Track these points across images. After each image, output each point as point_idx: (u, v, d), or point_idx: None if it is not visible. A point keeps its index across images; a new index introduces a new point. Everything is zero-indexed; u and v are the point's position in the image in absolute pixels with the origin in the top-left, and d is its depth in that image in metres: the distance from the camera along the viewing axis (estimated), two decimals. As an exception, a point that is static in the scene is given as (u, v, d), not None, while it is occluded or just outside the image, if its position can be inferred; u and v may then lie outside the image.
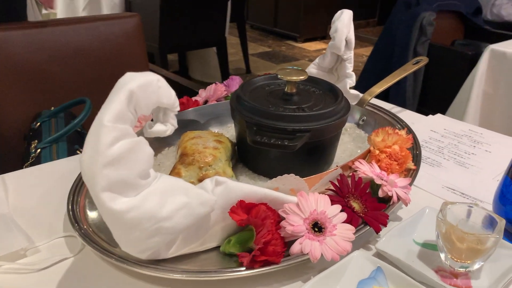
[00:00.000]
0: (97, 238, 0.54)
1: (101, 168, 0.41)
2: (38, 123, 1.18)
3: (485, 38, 2.11)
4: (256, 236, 0.50)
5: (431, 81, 2.02)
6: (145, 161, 0.44)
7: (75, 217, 0.57)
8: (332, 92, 0.72)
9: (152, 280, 0.51)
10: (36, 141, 1.11)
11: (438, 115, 0.98)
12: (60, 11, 2.71)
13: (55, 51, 1.28)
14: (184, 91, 1.40)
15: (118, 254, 0.50)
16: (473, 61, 1.80)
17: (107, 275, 0.52)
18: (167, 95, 0.46)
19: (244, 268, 0.49)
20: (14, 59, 1.21)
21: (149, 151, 0.45)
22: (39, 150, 1.07)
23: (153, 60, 2.74)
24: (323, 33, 4.79)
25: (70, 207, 0.58)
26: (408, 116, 0.98)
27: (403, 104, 2.04)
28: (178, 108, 0.49)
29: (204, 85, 0.89)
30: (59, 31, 1.29)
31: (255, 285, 0.51)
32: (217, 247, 0.53)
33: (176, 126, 0.50)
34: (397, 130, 0.68)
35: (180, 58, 3.42)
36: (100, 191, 0.41)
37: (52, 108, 1.20)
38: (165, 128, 0.48)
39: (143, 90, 0.44)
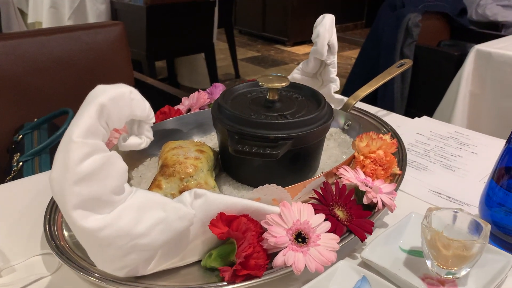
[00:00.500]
0: (74, 256, 0.52)
1: (71, 186, 0.39)
2: (21, 136, 1.16)
3: (471, 39, 2.12)
4: (237, 250, 0.49)
5: (418, 83, 2.03)
6: (119, 176, 0.43)
7: (52, 234, 0.55)
8: (315, 98, 0.71)
9: (132, 297, 0.49)
10: (19, 154, 1.09)
11: (424, 118, 0.98)
12: (45, 20, 2.68)
13: (36, 61, 1.27)
14: (170, 99, 1.38)
15: (96, 272, 0.49)
16: (459, 61, 1.81)
17: (86, 293, 0.51)
18: (141, 107, 0.45)
19: (225, 283, 0.48)
20: (-5, 71, 1.19)
21: (122, 165, 0.43)
22: (21, 163, 1.05)
23: (141, 68, 2.73)
24: (311, 37, 4.80)
25: (47, 224, 0.57)
26: (394, 119, 0.98)
27: (391, 106, 2.04)
28: (153, 120, 0.48)
29: (193, 91, 0.87)
30: (40, 41, 1.27)
31: (238, 299, 0.50)
32: (198, 262, 0.52)
33: (152, 138, 0.48)
34: (381, 135, 0.68)
35: (169, 65, 3.41)
36: (71, 209, 0.40)
37: (35, 119, 1.19)
38: (140, 141, 0.47)
39: (114, 103, 0.42)
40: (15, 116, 1.22)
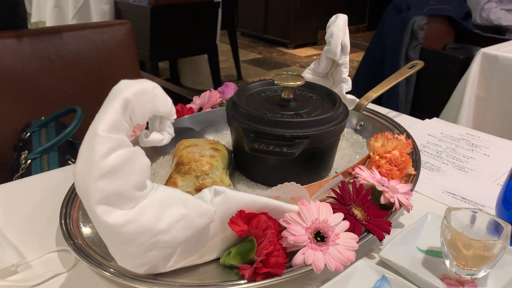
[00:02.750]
0: (91, 252, 0.52)
1: (95, 180, 0.39)
2: (28, 133, 1.16)
3: (475, 42, 2.13)
4: (257, 247, 0.48)
5: (423, 85, 2.03)
6: (142, 172, 0.42)
7: (68, 230, 0.55)
8: (330, 97, 0.71)
9: (150, 295, 0.49)
10: (26, 151, 1.09)
11: (435, 119, 0.97)
12: (49, 20, 2.68)
13: (44, 59, 1.26)
14: (176, 99, 1.38)
15: (113, 268, 0.49)
16: (465, 64, 1.81)
17: (103, 290, 0.50)
18: (164, 103, 0.45)
19: (245, 281, 0.47)
20: (2, 68, 1.18)
21: (146, 161, 0.43)
22: (29, 160, 1.05)
23: (144, 68, 2.72)
24: (313, 39, 4.81)
25: (62, 220, 0.56)
26: (405, 120, 0.97)
27: (396, 109, 2.04)
28: (175, 116, 0.47)
29: (196, 92, 0.87)
30: (48, 39, 1.26)
31: (257, 298, 0.50)
32: (217, 259, 0.52)
33: (173, 134, 0.48)
34: (396, 135, 0.67)
35: (171, 66, 3.40)
36: (94, 205, 0.40)
37: (43, 117, 1.18)
38: (162, 137, 0.47)
39: (138, 98, 0.42)
40: (23, 114, 1.21)
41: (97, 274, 0.52)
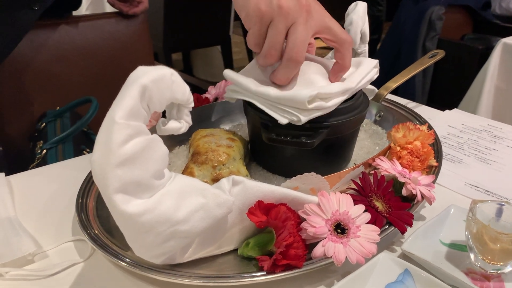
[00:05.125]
0: (107, 241, 0.51)
1: (113, 168, 0.38)
2: (44, 124, 1.16)
3: (495, 33, 2.08)
4: (277, 239, 0.47)
5: (440, 77, 1.99)
6: (160, 160, 0.41)
7: (85, 220, 0.54)
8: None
9: (167, 285, 0.48)
10: (42, 141, 1.09)
11: (455, 110, 0.95)
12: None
13: (59, 50, 1.26)
14: (190, 90, 1.37)
15: (130, 259, 0.48)
16: (484, 55, 1.77)
17: (119, 280, 0.50)
18: (182, 90, 0.44)
19: (264, 273, 0.46)
20: (18, 58, 1.18)
21: (164, 149, 0.42)
22: (44, 150, 1.05)
23: (157, 60, 2.72)
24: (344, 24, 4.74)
25: (79, 209, 0.56)
26: (424, 111, 0.95)
27: (412, 100, 2.01)
28: (193, 104, 0.46)
29: (210, 84, 0.86)
30: (64, 29, 1.26)
31: (275, 290, 0.49)
32: (235, 250, 0.51)
33: (191, 123, 0.47)
34: (418, 126, 0.65)
35: (184, 57, 3.40)
36: (112, 193, 0.39)
37: (58, 108, 1.18)
38: (180, 125, 0.46)
39: (156, 84, 0.41)
40: (38, 104, 1.21)
41: (113, 264, 0.51)
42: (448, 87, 1.99)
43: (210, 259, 0.49)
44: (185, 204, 0.43)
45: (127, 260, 0.48)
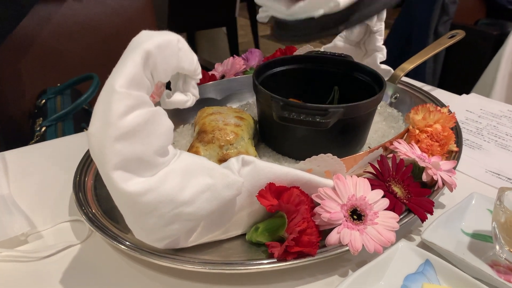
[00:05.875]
0: (106, 222, 0.48)
1: (112, 142, 0.34)
2: (43, 100, 1.12)
3: (509, 18, 2.01)
4: (289, 224, 0.44)
5: (452, 63, 1.93)
6: (164, 135, 0.38)
7: (82, 199, 0.51)
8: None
9: (169, 271, 0.45)
10: (41, 118, 1.06)
11: (473, 94, 0.91)
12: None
13: (62, 25, 1.22)
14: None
15: (130, 242, 0.44)
16: (498, 41, 1.71)
17: (117, 264, 0.46)
18: (189, 59, 0.40)
19: (274, 260, 0.43)
20: (18, 33, 1.14)
21: (168, 123, 0.38)
22: (44, 128, 1.02)
23: (161, 40, 2.66)
24: None
25: (76, 188, 0.52)
26: (440, 95, 0.90)
27: (422, 87, 1.96)
28: (200, 76, 0.42)
29: (213, 66, 0.82)
30: (67, 4, 1.21)
31: (285, 278, 0.45)
32: (242, 236, 0.47)
33: (198, 96, 0.43)
34: (439, 108, 0.61)
35: (189, 39, 3.33)
36: (111, 170, 0.35)
37: (58, 84, 1.14)
38: (186, 98, 0.42)
39: (161, 51, 0.37)
40: (38, 81, 1.18)
41: (111, 247, 0.48)
42: (460, 74, 1.93)
43: (216, 244, 0.46)
44: (191, 184, 0.39)
45: (127, 243, 0.44)
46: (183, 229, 0.41)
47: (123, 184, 0.36)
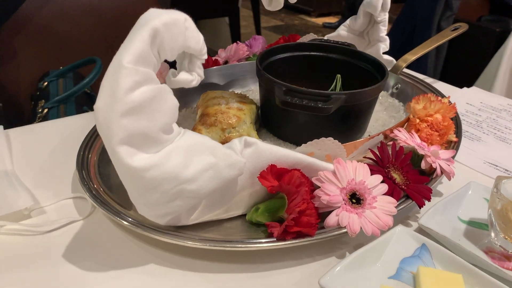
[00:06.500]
0: (109, 199, 0.48)
1: (119, 117, 0.35)
2: (46, 83, 1.13)
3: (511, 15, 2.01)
4: (289, 205, 0.44)
5: (454, 58, 1.94)
6: (169, 113, 0.38)
7: (85, 176, 0.51)
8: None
9: (170, 248, 0.46)
10: (43, 101, 1.06)
11: (474, 88, 0.91)
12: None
13: (64, 7, 1.22)
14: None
15: (132, 218, 0.45)
16: (501, 38, 1.72)
17: (119, 240, 0.47)
18: (195, 39, 0.40)
19: (273, 239, 0.44)
20: (20, 15, 1.14)
21: (174, 101, 0.39)
22: (46, 110, 1.02)
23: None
24: (338, 8, 4.65)
25: (80, 165, 0.53)
26: (441, 87, 0.91)
27: (423, 81, 1.96)
28: (206, 56, 0.43)
29: (216, 54, 0.82)
30: (69, -14, 1.21)
31: (284, 258, 0.46)
32: (243, 215, 0.48)
33: (203, 76, 0.44)
34: (440, 98, 0.62)
35: (191, 28, 3.32)
36: (117, 144, 0.36)
37: (61, 67, 1.14)
38: (191, 77, 0.42)
39: (168, 29, 0.37)
40: (40, 63, 1.18)
41: (114, 224, 0.49)
42: (461, 69, 1.94)
43: (216, 223, 0.47)
44: (194, 162, 0.40)
45: (129, 219, 0.45)
46: (185, 206, 0.41)
47: (128, 159, 0.36)
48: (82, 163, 0.53)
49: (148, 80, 0.36)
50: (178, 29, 0.38)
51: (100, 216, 0.50)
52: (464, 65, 1.92)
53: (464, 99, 0.86)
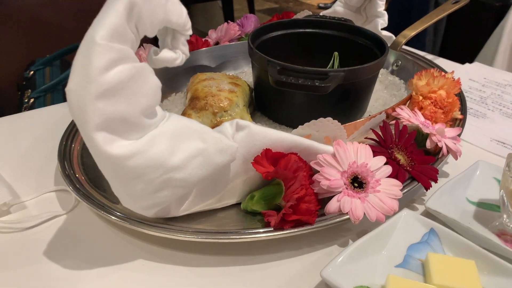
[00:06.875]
0: (93, 192, 0.45)
1: (93, 100, 0.31)
2: (32, 72, 1.09)
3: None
4: (286, 192, 0.41)
5: (452, 35, 1.89)
6: (151, 94, 0.35)
7: (67, 167, 0.48)
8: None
9: (161, 242, 0.43)
10: (30, 90, 1.03)
11: (476, 63, 0.88)
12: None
13: (47, -7, 1.17)
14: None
15: (119, 211, 0.42)
16: (501, 13, 1.67)
17: (106, 235, 0.44)
18: (177, 12, 0.36)
19: (271, 229, 0.41)
20: (4, 2, 1.09)
21: (156, 82, 0.35)
22: (32, 99, 0.98)
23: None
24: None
25: (61, 156, 0.50)
26: (442, 63, 0.88)
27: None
28: (190, 32, 0.39)
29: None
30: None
31: (282, 248, 0.43)
32: (237, 204, 0.45)
33: (188, 54, 0.40)
34: (443, 73, 0.58)
35: (184, 13, 3.26)
36: (93, 130, 0.32)
37: (47, 55, 1.10)
38: (175, 55, 0.39)
39: (146, 1, 0.34)
40: (26, 51, 1.13)
41: (99, 218, 0.46)
42: (460, 46, 1.89)
43: (209, 213, 0.43)
44: (181, 148, 0.37)
45: (116, 212, 0.42)
46: (173, 196, 0.38)
47: (107, 147, 0.33)
48: (64, 153, 0.50)
49: (125, 58, 0.33)
50: (158, 1, 0.35)
51: (85, 209, 0.47)
52: (463, 42, 1.88)
53: (466, 75, 0.83)
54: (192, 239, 0.40)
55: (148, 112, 0.35)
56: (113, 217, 0.42)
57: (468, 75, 0.83)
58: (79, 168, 0.48)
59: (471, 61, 1.69)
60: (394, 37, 0.76)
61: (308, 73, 0.52)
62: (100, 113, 0.32)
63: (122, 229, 0.44)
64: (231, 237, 0.40)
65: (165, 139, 0.36)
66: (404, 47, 0.80)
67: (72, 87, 0.32)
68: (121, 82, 0.32)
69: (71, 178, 0.46)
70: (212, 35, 0.78)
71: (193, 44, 0.71)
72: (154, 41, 0.42)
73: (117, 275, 0.40)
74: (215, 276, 0.40)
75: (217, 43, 0.76)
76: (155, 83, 0.35)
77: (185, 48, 0.39)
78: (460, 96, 0.63)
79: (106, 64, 0.31)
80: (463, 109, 0.61)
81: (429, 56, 0.89)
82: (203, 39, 0.74)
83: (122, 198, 0.38)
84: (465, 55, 1.75)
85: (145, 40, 0.41)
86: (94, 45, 0.31)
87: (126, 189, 0.36)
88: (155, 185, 0.36)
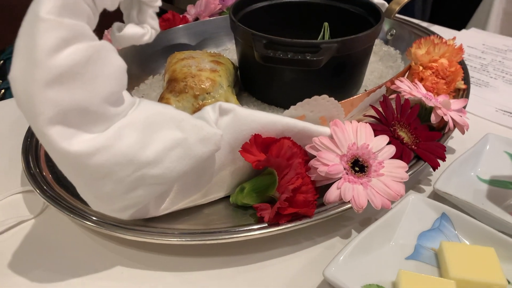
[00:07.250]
0: (63, 193, 0.40)
1: (42, 88, 0.26)
2: (2, 61, 1.03)
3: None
4: (280, 182, 0.36)
5: (442, 1, 1.84)
6: (115, 78, 0.29)
7: (34, 167, 0.43)
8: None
9: (141, 245, 0.38)
10: (1, 81, 0.96)
11: (473, 29, 0.83)
12: None
13: (14, -25, 1.09)
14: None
15: (92, 215, 0.37)
16: (491, -23, 1.61)
17: (79, 240, 0.39)
18: (142, -21, 0.31)
19: (265, 225, 0.36)
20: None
21: (120, 63, 0.30)
22: (3, 90, 0.92)
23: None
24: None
25: (26, 153, 0.44)
26: (438, 31, 0.82)
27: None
28: (159, 3, 0.33)
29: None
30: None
31: (279, 245, 0.39)
32: (226, 198, 0.40)
33: (158, 29, 0.34)
34: (444, 40, 0.54)
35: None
36: (45, 125, 0.27)
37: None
38: (142, 30, 0.33)
39: (102, -35, 0.28)
40: (-7, 39, 1.06)
41: (71, 221, 0.41)
42: (450, 12, 1.84)
43: (194, 210, 0.38)
44: (155, 139, 0.31)
45: (90, 217, 0.37)
46: (150, 195, 0.33)
47: (64, 143, 0.27)
48: (28, 150, 0.44)
49: (80, 36, 0.27)
50: (116, -34, 0.29)
51: (55, 213, 0.42)
52: (454, 8, 1.82)
53: (464, 42, 0.78)
54: (176, 242, 0.35)
55: (113, 99, 0.30)
56: (86, 222, 0.37)
57: (466, 41, 0.78)
58: (47, 166, 0.43)
59: (460, 29, 1.64)
60: (387, 4, 0.71)
61: (298, 46, 0.47)
62: (52, 104, 0.26)
63: (98, 234, 0.39)
64: (221, 237, 0.35)
65: (135, 130, 0.31)
66: (397, 15, 0.74)
67: (16, 74, 0.26)
68: (76, 65, 0.27)
69: (36, 178, 0.41)
70: (191, 11, 0.72)
71: (170, 21, 0.65)
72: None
73: (94, 285, 0.35)
74: (205, 280, 0.35)
75: (196, 19, 0.70)
76: (119, 64, 0.30)
77: (154, 22, 0.34)
78: (462, 65, 0.59)
79: (55, 43, 0.26)
80: (466, 79, 0.56)
81: (424, 24, 0.84)
82: (181, 15, 0.68)
83: (91, 201, 0.33)
84: (456, 21, 1.70)
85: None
86: (38, 20, 0.25)
87: (94, 191, 0.31)
88: (127, 184, 0.31)
